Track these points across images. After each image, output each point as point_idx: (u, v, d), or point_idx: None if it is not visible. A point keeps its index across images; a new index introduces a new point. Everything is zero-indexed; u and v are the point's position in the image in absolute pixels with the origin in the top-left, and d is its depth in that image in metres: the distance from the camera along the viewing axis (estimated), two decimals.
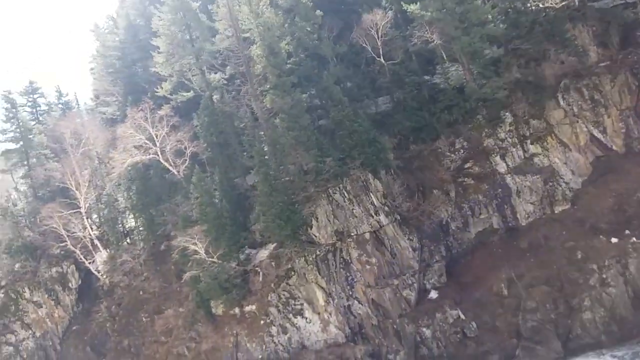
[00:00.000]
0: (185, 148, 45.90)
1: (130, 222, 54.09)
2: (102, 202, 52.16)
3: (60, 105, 70.15)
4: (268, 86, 42.63)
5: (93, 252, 50.69)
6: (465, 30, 45.37)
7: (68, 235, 48.91)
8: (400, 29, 48.76)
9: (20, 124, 57.61)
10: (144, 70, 60.13)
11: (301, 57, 45.65)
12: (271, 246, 40.90)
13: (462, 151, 46.25)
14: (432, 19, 45.41)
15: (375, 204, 41.05)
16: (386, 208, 41.50)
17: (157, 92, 50.68)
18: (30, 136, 58.29)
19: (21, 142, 57.62)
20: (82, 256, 49.56)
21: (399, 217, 42.06)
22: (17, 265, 52.63)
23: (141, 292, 46.20)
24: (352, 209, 40.39)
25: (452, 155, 46.25)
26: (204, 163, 46.42)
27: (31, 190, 56.98)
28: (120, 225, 53.50)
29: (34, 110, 64.94)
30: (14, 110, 57.94)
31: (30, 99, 64.57)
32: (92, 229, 50.95)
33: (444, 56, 47.77)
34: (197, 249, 39.34)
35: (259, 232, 42.76)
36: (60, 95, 74.03)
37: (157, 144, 46.32)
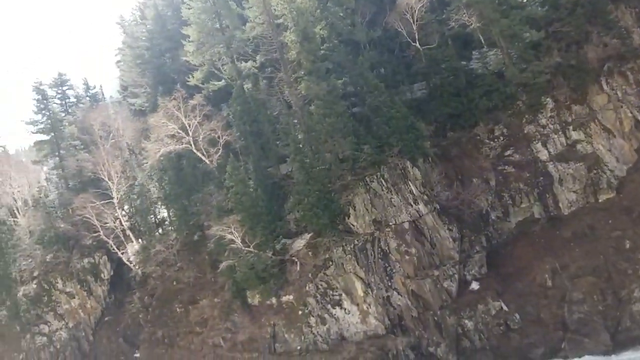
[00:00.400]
0: (219, 137, 45.19)
1: (163, 213, 53.72)
2: (134, 192, 51.73)
3: (87, 98, 70.32)
4: (302, 72, 41.60)
5: (125, 243, 50.45)
6: (504, 13, 44.09)
7: (101, 226, 48.65)
8: (436, 13, 47.48)
9: (51, 114, 57.55)
10: (172, 60, 59.69)
11: (334, 43, 44.54)
12: (307, 236, 40.05)
13: (501, 138, 44.83)
14: (470, 2, 44.15)
15: (414, 192, 39.92)
16: (425, 197, 40.35)
17: (188, 81, 50.12)
18: (61, 127, 58.21)
19: (52, 133, 57.56)
20: (115, 247, 49.31)
21: (438, 207, 40.87)
22: (49, 256, 52.61)
23: (175, 283, 45.70)
24: (391, 198, 39.32)
25: (492, 142, 44.86)
26: (237, 152, 45.69)
27: (62, 181, 56.95)
28: (152, 216, 53.12)
29: (63, 102, 64.94)
30: (44, 101, 57.90)
31: (59, 91, 64.56)
32: (124, 219, 50.64)
33: (482, 40, 46.36)
34: (233, 238, 38.65)
35: (293, 222, 42.02)
36: (88, 87, 74.28)
37: (190, 134, 45.73)
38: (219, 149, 45.58)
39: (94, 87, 76.01)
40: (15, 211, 59.07)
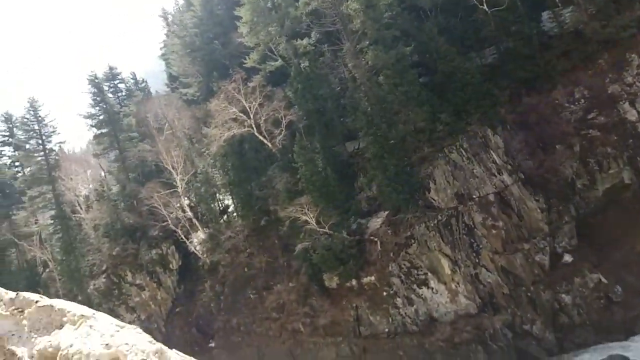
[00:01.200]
0: (282, 118, 43.64)
1: (227, 200, 52.77)
2: (197, 180, 50.79)
3: (138, 91, 70.30)
4: (367, 42, 39.56)
5: (191, 232, 49.66)
6: None
7: (167, 215, 47.90)
8: None
9: (108, 107, 57.27)
10: (223, 46, 58.55)
11: (398, 10, 42.23)
12: (384, 214, 38.14)
13: (582, 101, 41.61)
14: None
15: (497, 162, 37.44)
16: (509, 166, 37.82)
17: (244, 64, 48.73)
18: (119, 120, 57.95)
19: (110, 126, 57.30)
20: (183, 236, 48.53)
21: (522, 176, 38.29)
22: (117, 249, 52.33)
23: (246, 269, 44.50)
24: (472, 169, 36.96)
25: (572, 106, 41.71)
26: (301, 132, 44.06)
27: (124, 173, 56.59)
28: (216, 203, 52.22)
29: (116, 96, 64.87)
30: (101, 94, 57.64)
31: (112, 85, 64.50)
32: (189, 208, 49.82)
33: None
34: (308, 219, 37.11)
35: (365, 200, 40.26)
36: (137, 81, 74.34)
37: (251, 116, 44.40)
38: (282, 130, 44.06)
39: (143, 82, 76.22)
40: (78, 207, 59.21)
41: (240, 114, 44.78)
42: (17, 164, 69.57)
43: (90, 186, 64.45)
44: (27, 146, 63.67)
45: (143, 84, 74.89)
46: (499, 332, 33.46)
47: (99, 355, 4.83)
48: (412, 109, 36.62)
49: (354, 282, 37.41)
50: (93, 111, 57.92)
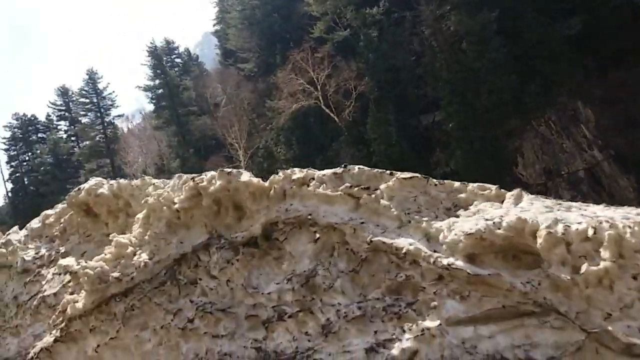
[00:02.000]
0: (352, 89, 41.96)
1: None
2: (259, 155, 49.67)
3: (195, 66, 69.69)
4: (448, 7, 37.50)
5: None
6: None
7: None
8: None
9: (169, 80, 56.56)
10: (283, 19, 57.06)
11: None
12: None
13: None
14: None
15: (588, 136, 35.07)
16: (599, 141, 35.40)
17: (311, 33, 47.12)
18: (179, 94, 57.23)
19: (170, 100, 56.60)
20: None
21: (613, 153, 35.82)
22: None
23: None
24: (562, 144, 34.73)
25: None
26: (372, 105, 42.36)
27: (184, 148, 55.87)
28: None
29: (174, 70, 64.25)
30: (161, 66, 56.97)
31: (169, 60, 63.90)
32: None
33: None
34: None
35: (440, 176, 38.31)
36: (191, 57, 73.83)
37: (319, 88, 42.94)
38: (352, 102, 42.42)
39: (197, 58, 75.70)
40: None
41: (308, 86, 43.38)
42: (73, 138, 70.16)
43: (148, 160, 64.10)
44: (84, 120, 63.84)
45: (197, 61, 74.23)
46: None
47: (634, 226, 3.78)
48: (500, 78, 34.46)
49: None
50: (151, 84, 57.29)
